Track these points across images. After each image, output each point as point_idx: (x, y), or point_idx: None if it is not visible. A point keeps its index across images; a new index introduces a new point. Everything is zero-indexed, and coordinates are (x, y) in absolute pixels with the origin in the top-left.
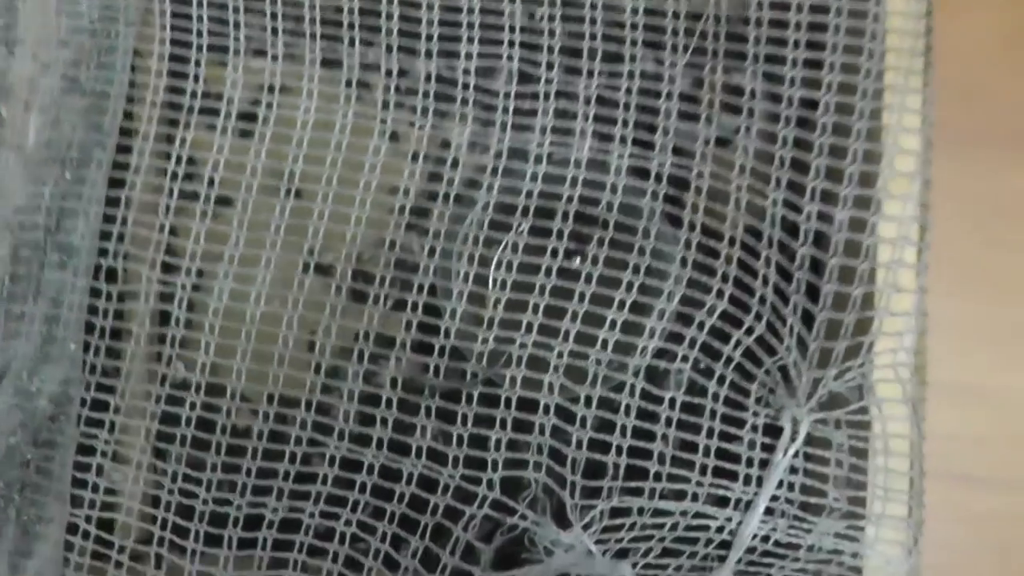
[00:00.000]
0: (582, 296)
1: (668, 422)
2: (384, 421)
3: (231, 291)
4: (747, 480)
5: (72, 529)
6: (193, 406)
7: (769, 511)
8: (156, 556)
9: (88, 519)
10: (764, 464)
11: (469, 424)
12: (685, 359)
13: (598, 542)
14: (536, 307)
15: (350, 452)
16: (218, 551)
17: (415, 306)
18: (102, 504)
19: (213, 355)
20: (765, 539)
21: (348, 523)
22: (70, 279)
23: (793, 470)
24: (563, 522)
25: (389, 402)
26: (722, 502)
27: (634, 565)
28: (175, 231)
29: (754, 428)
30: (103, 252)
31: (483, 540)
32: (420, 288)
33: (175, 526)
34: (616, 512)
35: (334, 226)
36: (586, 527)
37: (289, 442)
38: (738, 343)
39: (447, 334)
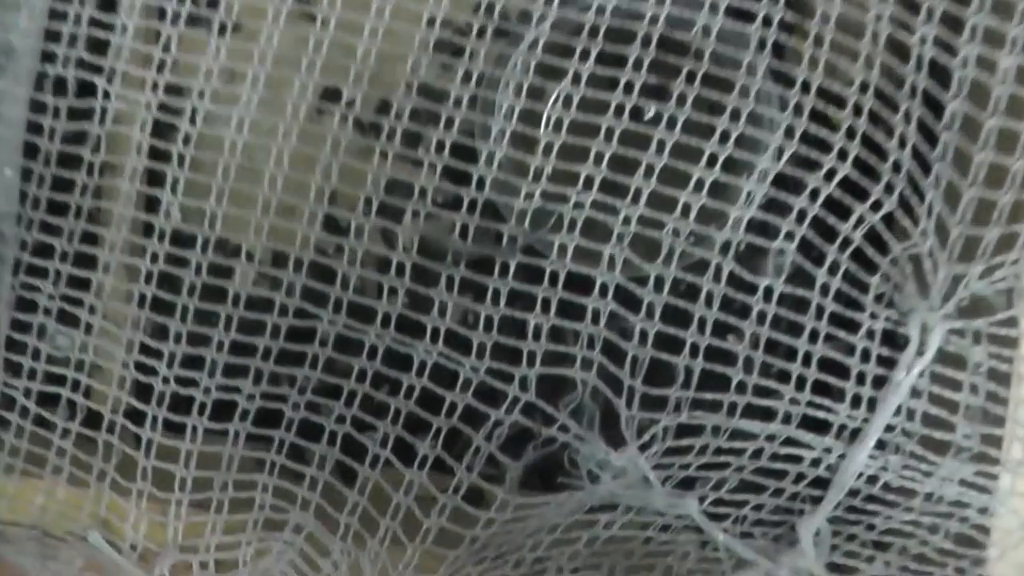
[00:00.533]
0: (661, 146)
1: (760, 318)
2: (394, 292)
3: (207, 114)
4: (856, 402)
5: (7, 403)
6: (155, 258)
7: (881, 444)
8: (105, 444)
9: (27, 392)
10: (880, 383)
11: (501, 303)
12: (790, 237)
13: (657, 467)
14: (600, 157)
15: (348, 329)
16: (179, 442)
17: (442, 146)
18: (44, 375)
19: (182, 194)
20: (872, 480)
21: (341, 420)
22: (10, 88)
23: (915, 393)
24: (614, 439)
25: (401, 268)
26: (821, 427)
27: (701, 500)
28: (141, 35)
29: (870, 334)
30: (50, 57)
31: (510, 454)
32: (451, 123)
33: (129, 409)
34: (684, 430)
35: (344, 37)
36: (644, 447)
37: (273, 311)
38: (860, 221)
39: (481, 185)
